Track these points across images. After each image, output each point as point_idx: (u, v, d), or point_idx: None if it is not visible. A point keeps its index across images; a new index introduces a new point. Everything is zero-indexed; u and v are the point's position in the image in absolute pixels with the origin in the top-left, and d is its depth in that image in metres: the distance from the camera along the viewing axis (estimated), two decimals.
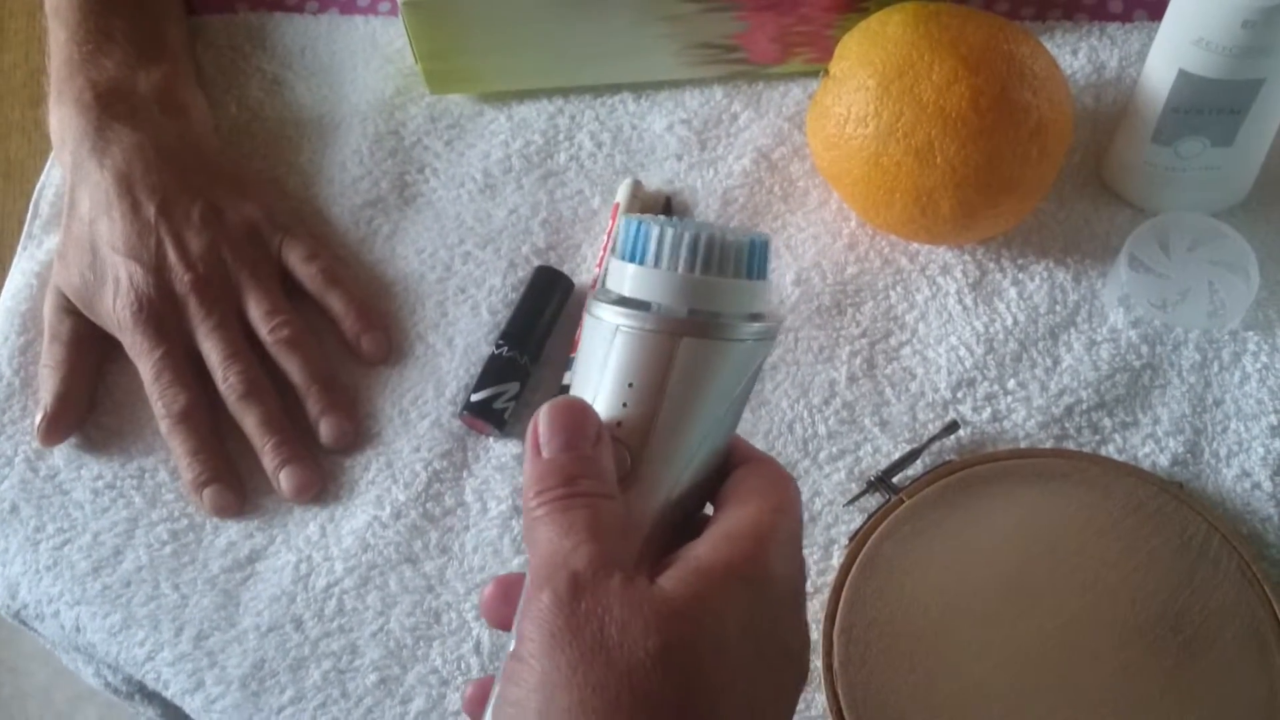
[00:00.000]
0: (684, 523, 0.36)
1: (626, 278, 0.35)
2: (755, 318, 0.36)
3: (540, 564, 0.32)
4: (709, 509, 0.37)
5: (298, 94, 0.68)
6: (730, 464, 0.37)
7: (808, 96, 0.64)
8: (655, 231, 0.35)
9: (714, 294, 0.35)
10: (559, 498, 0.33)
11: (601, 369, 0.35)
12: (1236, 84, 0.51)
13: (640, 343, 0.35)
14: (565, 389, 0.38)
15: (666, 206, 0.62)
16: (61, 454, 0.59)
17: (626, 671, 0.30)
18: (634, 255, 0.35)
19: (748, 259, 0.35)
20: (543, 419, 0.34)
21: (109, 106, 0.61)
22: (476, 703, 0.34)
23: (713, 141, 0.64)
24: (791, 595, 0.35)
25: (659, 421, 0.35)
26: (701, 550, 0.33)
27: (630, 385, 0.35)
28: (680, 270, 0.35)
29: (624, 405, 0.35)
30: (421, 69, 0.64)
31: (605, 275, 0.37)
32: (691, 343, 0.35)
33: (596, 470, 0.34)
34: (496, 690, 0.32)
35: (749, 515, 0.34)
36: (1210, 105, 0.52)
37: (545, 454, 0.34)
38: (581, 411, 0.35)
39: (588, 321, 0.36)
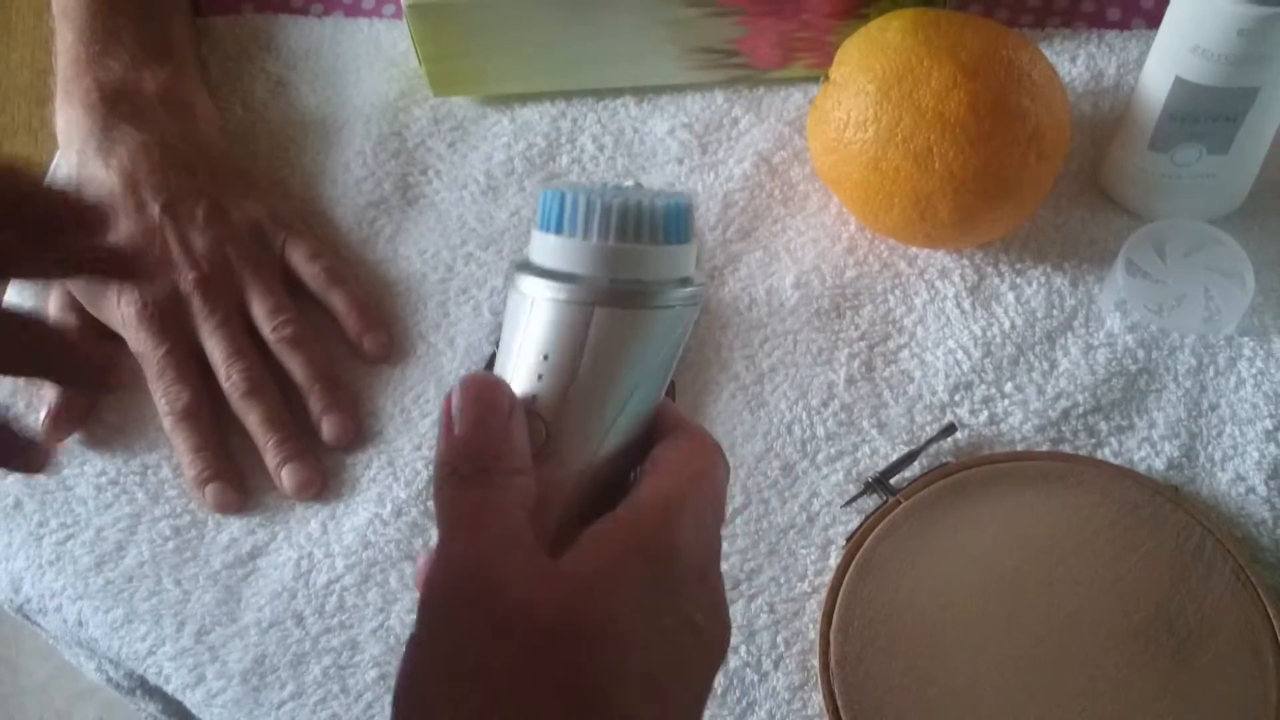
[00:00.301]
0: (607, 491, 0.36)
1: (544, 248, 0.35)
2: (678, 283, 0.35)
3: (443, 544, 0.33)
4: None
5: (302, 95, 0.68)
6: (658, 432, 0.36)
7: (808, 101, 0.65)
8: (570, 200, 0.34)
9: (631, 262, 0.34)
10: (465, 475, 0.33)
11: (520, 341, 0.35)
12: (1232, 91, 0.52)
13: (555, 313, 0.35)
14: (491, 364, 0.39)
15: None
16: (65, 450, 0.59)
17: (520, 648, 0.31)
18: (550, 224, 0.35)
19: (665, 224, 0.34)
20: (455, 395, 0.35)
21: (115, 106, 0.61)
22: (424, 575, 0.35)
23: (713, 145, 0.64)
24: (698, 567, 0.34)
25: (572, 393, 0.35)
26: (606, 525, 0.34)
27: (545, 357, 0.35)
28: (594, 239, 0.34)
29: (539, 378, 0.35)
30: (425, 71, 0.65)
31: (529, 247, 0.36)
32: (606, 313, 0.34)
33: (507, 447, 0.34)
34: (402, 659, 0.33)
35: (659, 487, 0.34)
36: (1206, 113, 0.53)
37: (456, 430, 0.34)
38: (493, 387, 0.35)
39: (509, 294, 0.36)
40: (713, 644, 0.35)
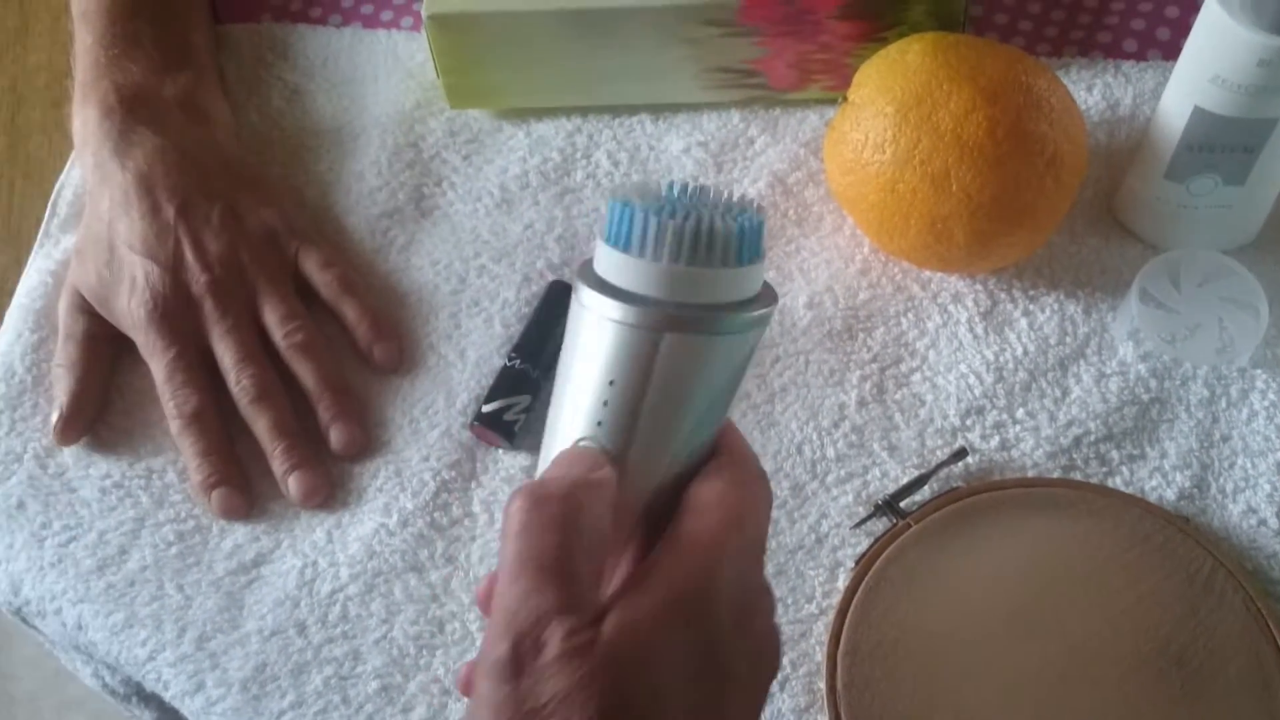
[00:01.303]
0: (670, 511, 0.35)
1: (610, 265, 0.33)
2: (746, 304, 0.34)
3: (495, 616, 0.32)
4: None
5: (318, 104, 0.68)
6: (714, 448, 0.36)
7: (824, 123, 0.65)
8: (639, 217, 0.33)
9: (701, 286, 0.33)
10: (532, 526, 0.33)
11: (584, 362, 0.34)
12: (1251, 122, 0.52)
13: (621, 337, 0.33)
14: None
15: None
16: (70, 452, 0.59)
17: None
18: (617, 240, 0.33)
19: (738, 246, 0.33)
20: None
21: (133, 110, 0.61)
22: (469, 684, 0.34)
23: (729, 164, 0.64)
24: (738, 617, 0.34)
25: (640, 424, 0.34)
26: (645, 588, 0.33)
27: (611, 383, 0.34)
28: (664, 261, 0.32)
29: (605, 404, 0.34)
30: (443, 83, 0.65)
31: (594, 253, 0.35)
32: (675, 339, 0.33)
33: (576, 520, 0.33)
34: None
35: (701, 534, 0.33)
36: (1224, 143, 0.53)
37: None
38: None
39: (573, 303, 0.34)
40: (756, 685, 0.35)
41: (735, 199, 0.34)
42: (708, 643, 0.33)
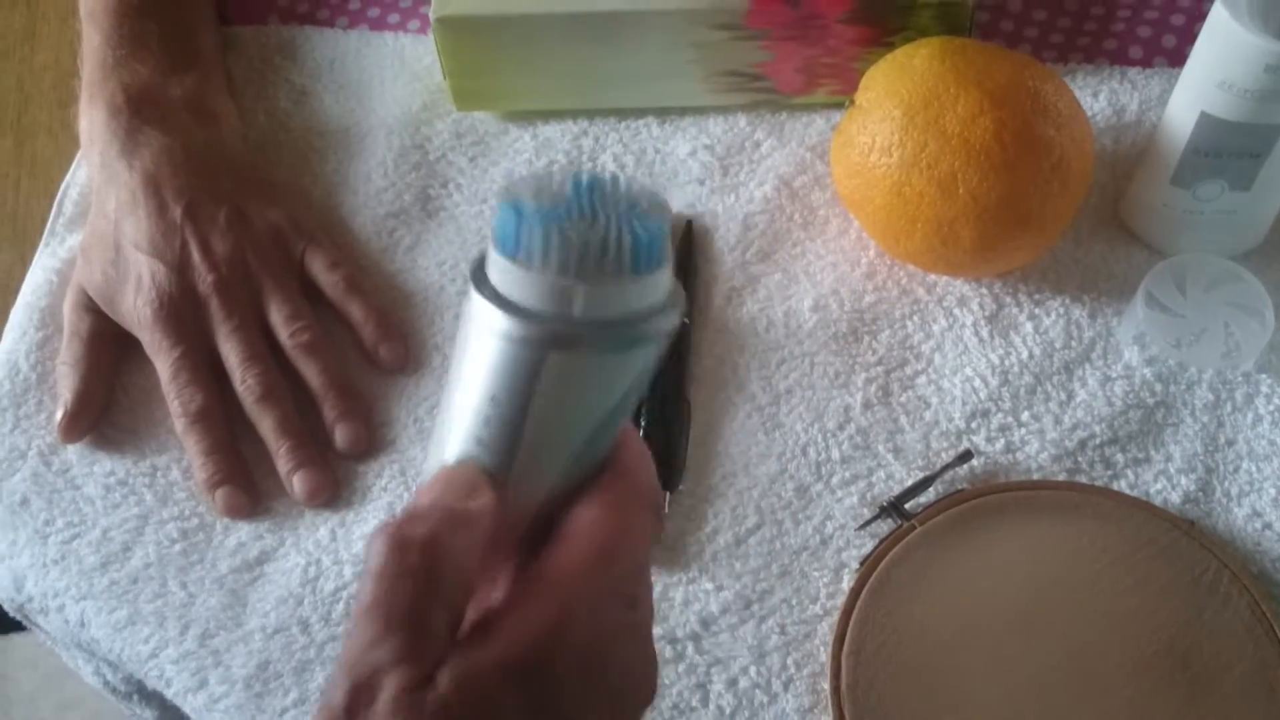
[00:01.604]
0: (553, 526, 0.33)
1: (497, 272, 0.31)
2: (646, 317, 0.31)
3: (339, 660, 0.31)
4: None
5: (325, 106, 0.69)
6: (605, 462, 0.34)
7: (830, 128, 0.65)
8: (525, 223, 0.30)
9: (592, 300, 0.30)
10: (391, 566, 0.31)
11: (468, 372, 0.31)
12: (1258, 128, 0.52)
13: (503, 353, 0.30)
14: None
15: (687, 231, 0.62)
16: (75, 449, 0.59)
17: None
18: (504, 246, 0.30)
19: (633, 256, 0.30)
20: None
21: (140, 110, 0.61)
22: None
23: (735, 168, 0.64)
24: (590, 661, 0.32)
25: (523, 444, 0.32)
26: (489, 637, 0.31)
27: (493, 399, 0.31)
28: (551, 274, 0.29)
29: (486, 421, 0.31)
30: (450, 85, 0.65)
31: (487, 256, 0.31)
32: (561, 358, 0.30)
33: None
34: None
35: (559, 572, 0.32)
36: (1231, 148, 0.53)
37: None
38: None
39: (465, 302, 0.32)
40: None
41: (643, 197, 0.31)
42: (549, 696, 0.31)
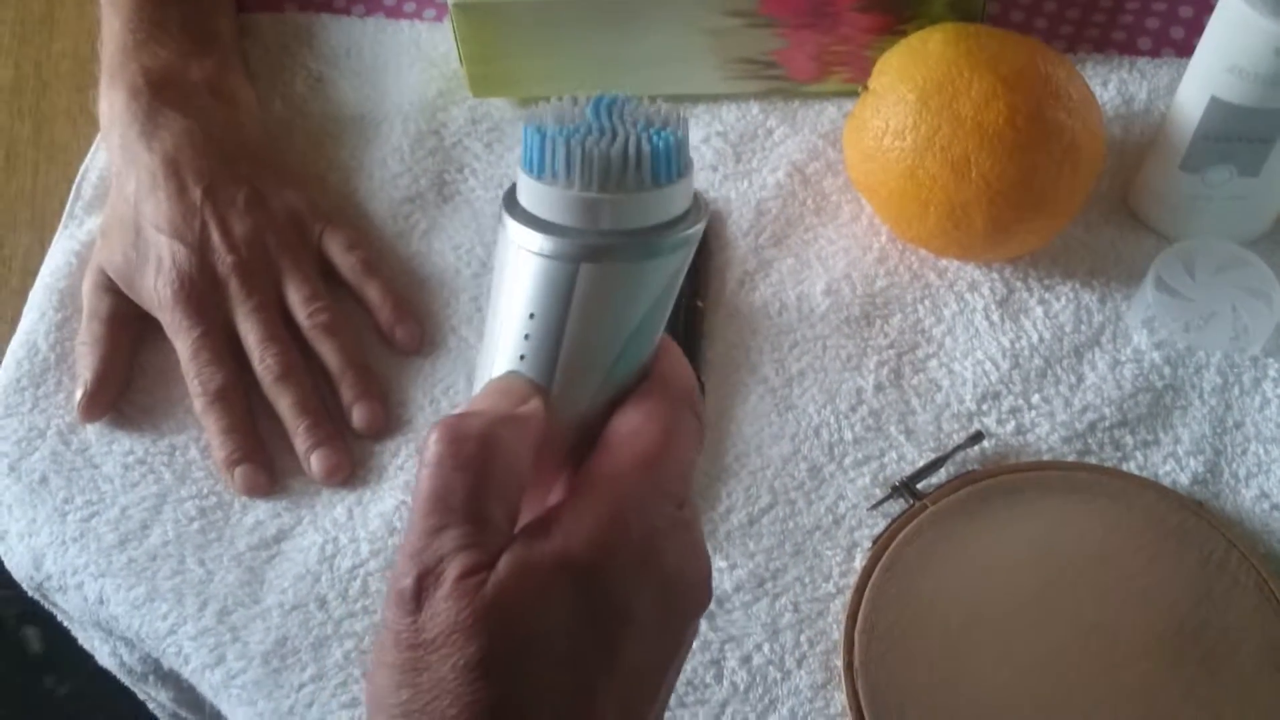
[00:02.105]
0: (598, 434, 0.34)
1: (526, 192, 0.32)
2: (669, 226, 0.32)
3: (403, 546, 0.33)
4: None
5: (341, 92, 0.69)
6: (646, 370, 0.35)
7: (843, 115, 0.65)
8: (549, 143, 0.31)
9: (617, 211, 0.31)
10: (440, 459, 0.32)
11: (506, 292, 0.33)
12: (1268, 112, 0.52)
13: (537, 269, 0.32)
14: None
15: None
16: (93, 428, 0.59)
17: (446, 683, 0.31)
18: (531, 166, 0.31)
19: (654, 164, 0.31)
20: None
21: (160, 92, 0.62)
22: None
23: (748, 154, 0.65)
24: (643, 557, 0.33)
25: (562, 357, 0.33)
26: (545, 531, 0.32)
27: (531, 315, 0.32)
28: (576, 188, 0.31)
29: (526, 337, 0.33)
30: (466, 72, 0.66)
31: (517, 182, 0.33)
32: (592, 268, 0.31)
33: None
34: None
35: (607, 474, 0.33)
36: (1240, 133, 0.54)
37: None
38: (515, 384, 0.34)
39: (499, 229, 0.33)
40: (666, 624, 0.34)
41: (662, 112, 0.32)
42: (602, 589, 0.32)
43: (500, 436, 0.32)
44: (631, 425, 0.34)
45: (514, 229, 0.32)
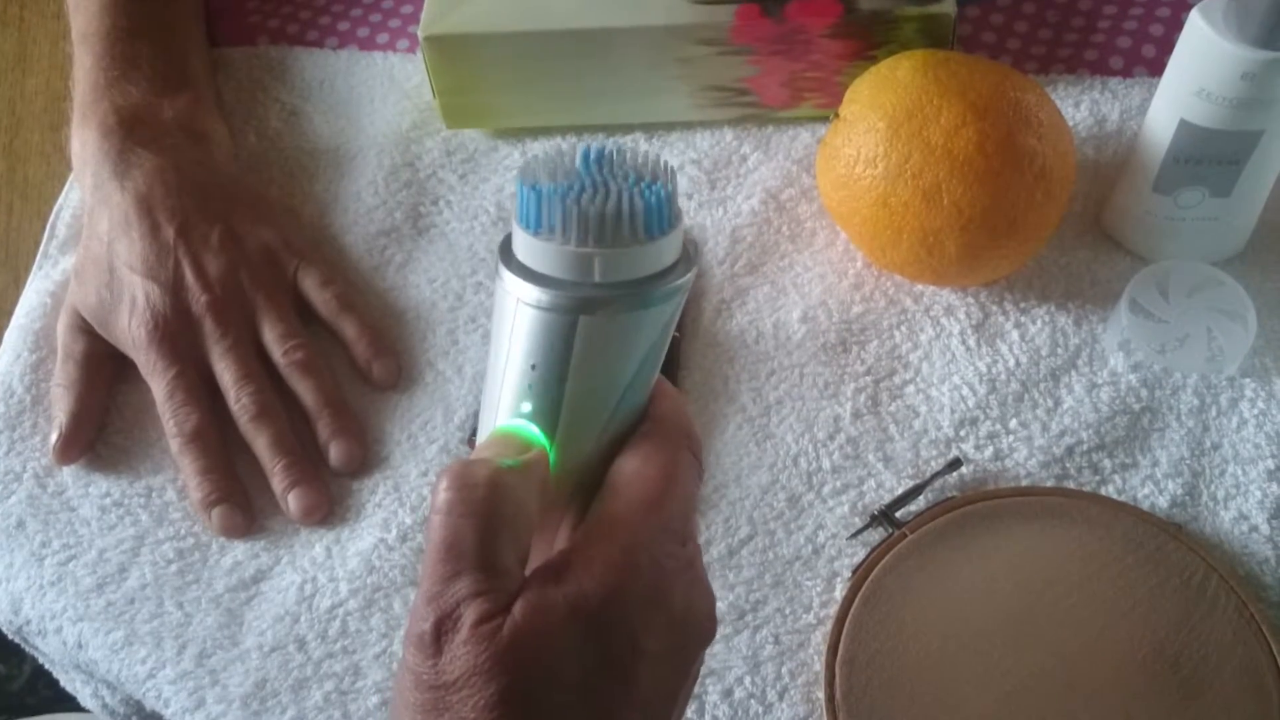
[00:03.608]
0: (603, 477, 0.36)
1: (523, 247, 0.33)
2: (662, 275, 0.33)
3: (421, 592, 0.34)
4: None
5: (315, 125, 0.69)
6: (644, 412, 0.36)
7: (816, 140, 0.65)
8: (542, 199, 0.32)
9: (612, 265, 0.32)
10: (452, 505, 0.34)
11: (508, 345, 0.34)
12: (1236, 135, 0.53)
13: (537, 322, 0.33)
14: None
15: None
16: (70, 471, 0.59)
17: (460, 704, 0.32)
18: (527, 221, 0.33)
19: (646, 219, 0.32)
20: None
21: (132, 131, 0.62)
22: None
23: (722, 181, 0.65)
24: (653, 595, 0.34)
25: (565, 405, 0.34)
26: (558, 575, 0.33)
27: (533, 367, 0.34)
28: (572, 245, 0.32)
29: (529, 387, 0.34)
30: (439, 103, 0.66)
31: (513, 233, 0.34)
32: (590, 321, 0.33)
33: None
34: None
35: (615, 518, 0.34)
36: (1210, 155, 0.54)
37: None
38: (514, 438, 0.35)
39: (496, 283, 0.34)
40: (677, 656, 0.36)
41: (650, 164, 0.33)
42: (615, 628, 0.34)
43: (507, 483, 0.34)
44: (634, 468, 0.35)
45: (512, 282, 0.33)
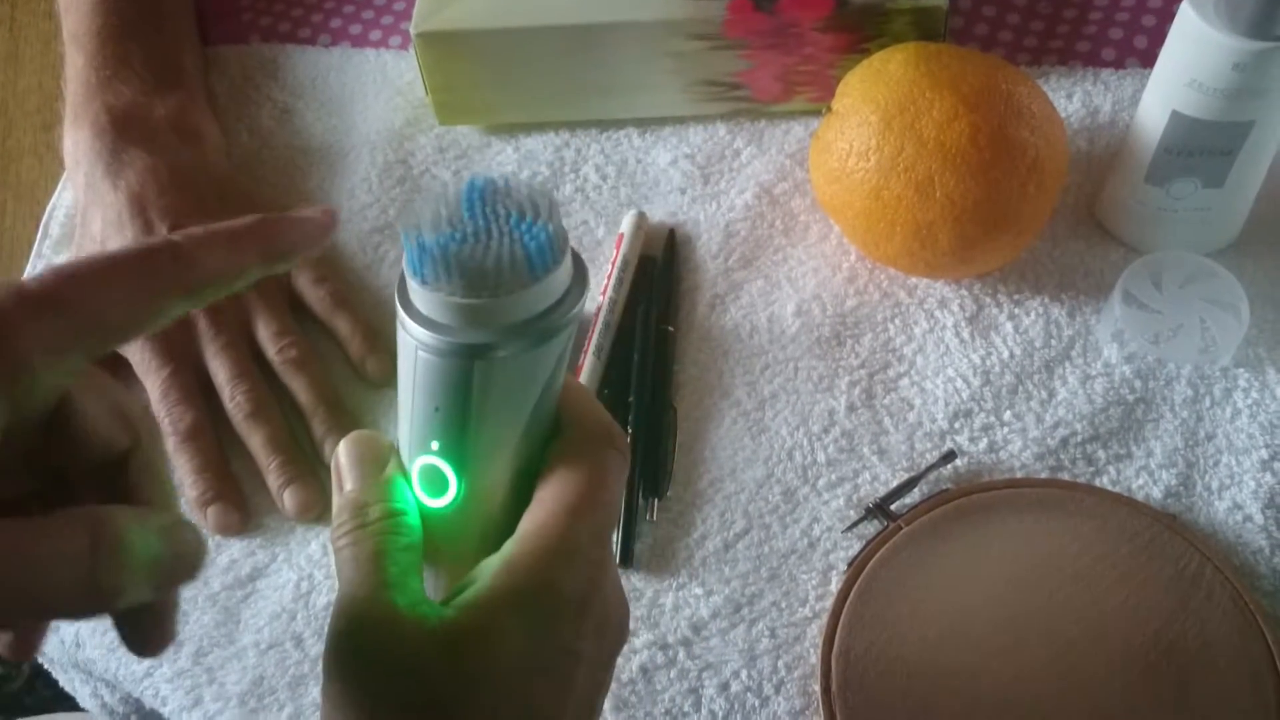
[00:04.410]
0: (526, 501, 0.36)
1: (415, 293, 0.33)
2: (551, 310, 0.33)
3: (339, 594, 0.35)
4: None
5: (308, 123, 0.69)
6: (559, 425, 0.37)
7: (809, 134, 0.65)
8: (425, 254, 0.32)
9: (499, 311, 0.32)
10: (350, 530, 0.36)
11: (412, 386, 0.34)
12: (1228, 125, 0.53)
13: (435, 368, 0.33)
14: None
15: (670, 239, 0.63)
16: None
17: (397, 702, 0.33)
18: (413, 269, 0.33)
19: (528, 264, 0.32)
20: (339, 455, 0.37)
21: (125, 130, 0.62)
22: None
23: (715, 176, 0.65)
24: (579, 597, 0.35)
25: (470, 442, 0.35)
26: (486, 578, 0.34)
27: (437, 409, 0.34)
28: (459, 296, 0.32)
29: (435, 427, 0.35)
30: (431, 100, 0.66)
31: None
32: (485, 365, 0.33)
33: (387, 495, 0.36)
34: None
35: (537, 529, 0.35)
36: (1202, 146, 0.54)
37: (344, 487, 0.37)
38: (369, 442, 0.37)
39: (398, 325, 0.34)
40: (602, 657, 0.37)
41: (531, 197, 0.33)
42: (544, 625, 0.34)
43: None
44: (560, 475, 0.36)
45: (409, 325, 0.33)
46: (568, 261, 0.34)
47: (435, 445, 0.35)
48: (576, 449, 0.36)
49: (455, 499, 0.36)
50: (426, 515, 0.37)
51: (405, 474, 0.37)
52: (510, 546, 0.35)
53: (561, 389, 0.36)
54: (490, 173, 0.34)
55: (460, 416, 0.34)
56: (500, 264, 0.32)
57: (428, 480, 0.37)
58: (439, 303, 0.32)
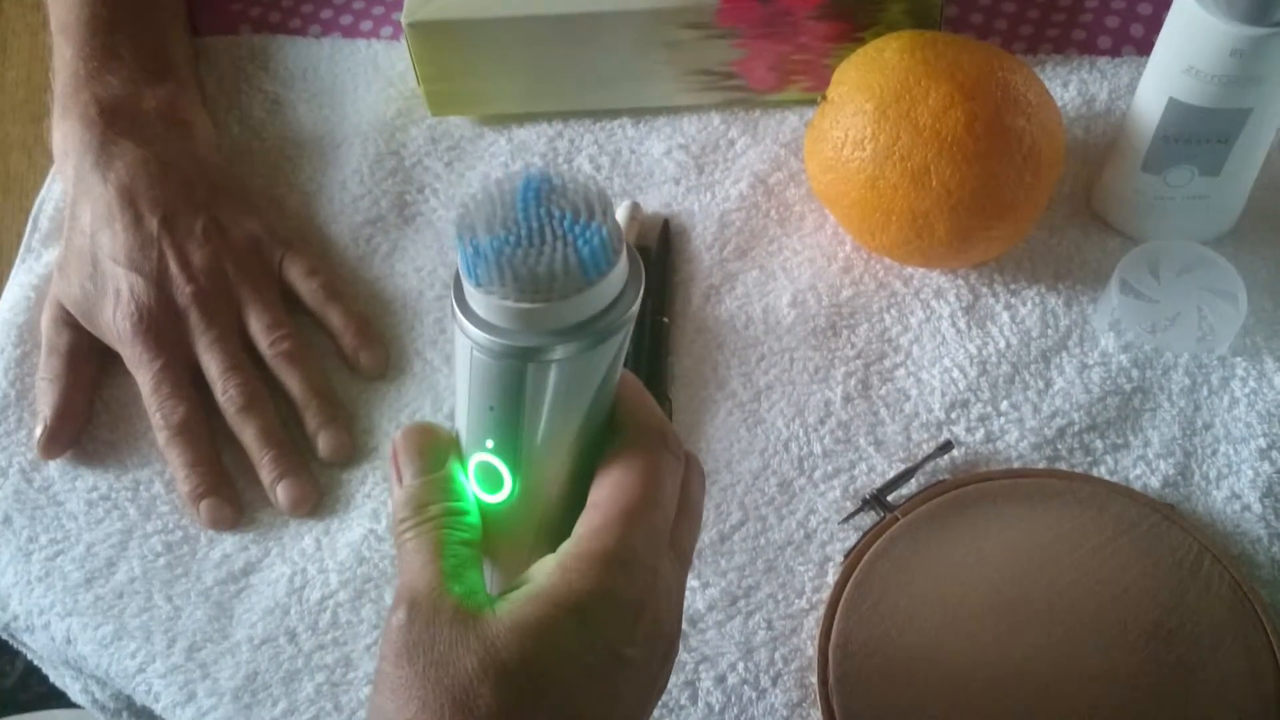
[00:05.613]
0: (581, 502, 0.36)
1: (470, 295, 0.33)
2: (606, 312, 0.33)
3: (400, 585, 0.36)
4: None
5: (299, 114, 0.68)
6: (614, 423, 0.37)
7: (803, 124, 0.65)
8: (480, 259, 0.32)
9: (553, 316, 0.32)
10: (412, 525, 0.36)
11: (467, 387, 0.35)
12: (1225, 112, 0.52)
13: (490, 369, 0.33)
14: None
15: (664, 230, 0.62)
16: (56, 465, 0.59)
17: (451, 690, 0.33)
18: (468, 273, 0.32)
19: (583, 267, 0.32)
20: (398, 447, 0.37)
21: (114, 122, 0.61)
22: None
23: (710, 166, 0.65)
24: (632, 603, 0.35)
25: (524, 442, 0.35)
26: (541, 577, 0.35)
27: (491, 409, 0.34)
28: (513, 300, 0.32)
29: (489, 427, 0.35)
30: (424, 91, 0.65)
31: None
32: (538, 369, 0.33)
33: (446, 491, 0.36)
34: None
35: (595, 529, 0.35)
36: (1199, 134, 0.54)
37: (404, 481, 0.37)
38: (429, 434, 0.37)
39: (454, 326, 0.34)
40: (653, 663, 0.37)
41: (586, 196, 0.32)
42: (593, 629, 0.34)
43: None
44: (614, 478, 0.36)
45: (464, 324, 0.33)
46: (623, 261, 0.33)
47: (490, 444, 0.35)
48: (631, 450, 0.36)
49: (510, 496, 0.37)
50: (483, 510, 0.38)
51: (464, 465, 0.37)
52: (567, 548, 0.35)
53: (617, 385, 0.36)
54: (545, 168, 0.34)
55: (514, 417, 0.34)
56: (554, 269, 0.31)
57: (484, 476, 0.37)
58: (492, 305, 0.32)
